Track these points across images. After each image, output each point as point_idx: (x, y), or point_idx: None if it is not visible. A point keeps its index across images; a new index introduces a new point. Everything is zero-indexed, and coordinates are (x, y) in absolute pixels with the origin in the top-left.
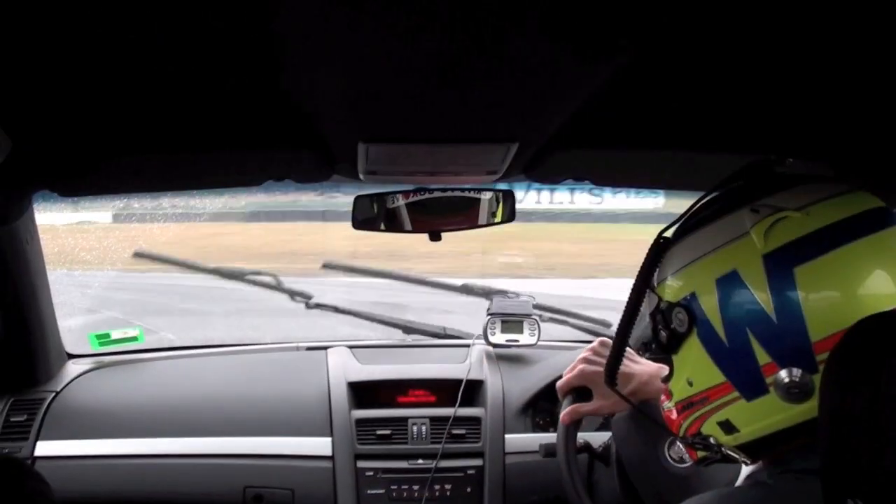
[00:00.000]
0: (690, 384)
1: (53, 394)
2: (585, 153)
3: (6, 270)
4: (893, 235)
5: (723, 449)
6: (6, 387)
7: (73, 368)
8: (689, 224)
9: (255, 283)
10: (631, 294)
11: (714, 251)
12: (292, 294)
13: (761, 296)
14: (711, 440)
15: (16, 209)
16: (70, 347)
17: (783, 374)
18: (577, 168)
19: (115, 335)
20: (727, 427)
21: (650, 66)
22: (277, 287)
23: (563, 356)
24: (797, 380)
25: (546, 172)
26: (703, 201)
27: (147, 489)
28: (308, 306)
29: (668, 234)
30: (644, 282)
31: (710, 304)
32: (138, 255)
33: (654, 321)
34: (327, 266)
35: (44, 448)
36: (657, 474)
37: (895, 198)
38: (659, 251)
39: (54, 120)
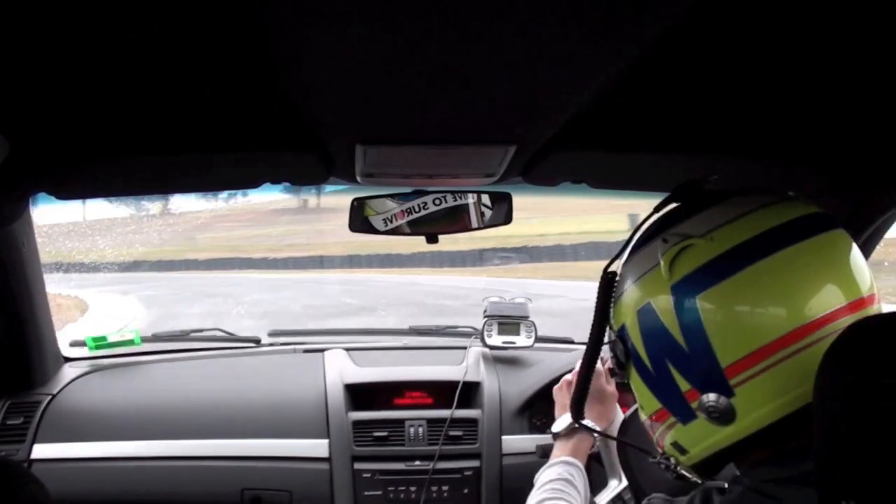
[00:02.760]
0: (642, 408)
1: (50, 396)
2: (583, 156)
3: (2, 273)
4: (800, 250)
5: (678, 469)
6: (2, 390)
7: (69, 371)
8: (627, 254)
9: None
10: (591, 329)
11: (635, 282)
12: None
13: (672, 325)
14: (672, 459)
15: (13, 211)
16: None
17: (704, 399)
18: (574, 171)
19: (111, 338)
20: (678, 448)
21: (648, 69)
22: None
23: (560, 358)
24: (715, 405)
25: (543, 175)
26: (638, 230)
27: (144, 492)
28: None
29: (614, 267)
30: (600, 316)
31: (634, 335)
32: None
33: (611, 349)
34: None
35: (40, 451)
36: (658, 473)
37: (895, 198)
38: (607, 285)
39: (52, 122)
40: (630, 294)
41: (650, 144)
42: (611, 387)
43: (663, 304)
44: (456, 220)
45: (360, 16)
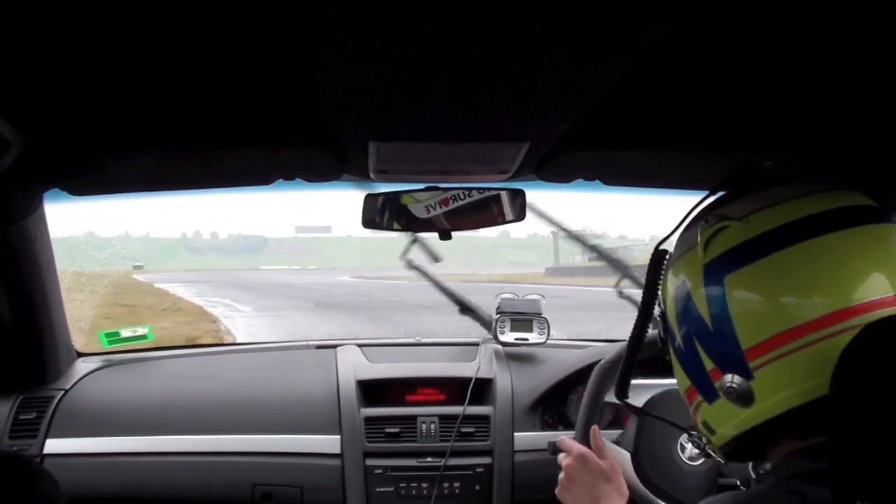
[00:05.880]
0: (679, 385)
1: (62, 392)
2: (596, 153)
3: (17, 269)
4: (834, 239)
5: (706, 448)
6: (16, 385)
7: (82, 366)
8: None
9: None
10: (640, 306)
11: (676, 261)
12: None
13: (700, 304)
14: (703, 438)
15: (27, 207)
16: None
17: (725, 379)
18: (587, 168)
19: (124, 333)
20: (707, 427)
21: (661, 66)
22: None
23: (572, 355)
24: (736, 386)
25: (557, 172)
26: (692, 211)
27: (156, 486)
28: None
29: (666, 245)
30: (649, 292)
31: (671, 313)
32: None
33: (659, 325)
34: None
35: (53, 446)
36: (672, 471)
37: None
38: (657, 263)
39: (65, 118)
40: (671, 272)
41: (663, 142)
42: (607, 460)
43: (695, 283)
44: (486, 213)
45: (374, 14)
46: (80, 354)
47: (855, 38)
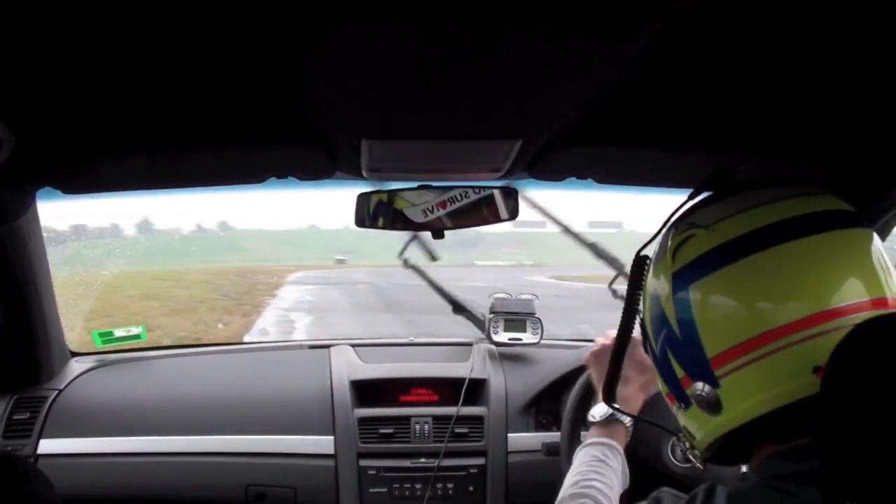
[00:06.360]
0: (661, 390)
1: (56, 392)
2: (589, 151)
3: (9, 268)
4: (801, 245)
5: (688, 452)
6: (9, 385)
7: (75, 366)
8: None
9: None
10: (623, 311)
11: (652, 268)
12: None
13: (669, 313)
14: (687, 442)
15: (19, 206)
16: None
17: (695, 387)
18: (580, 166)
19: (118, 333)
20: (688, 432)
21: (654, 64)
22: None
23: (566, 355)
24: (704, 394)
25: (549, 170)
26: (672, 216)
27: (149, 487)
28: None
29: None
30: (630, 298)
31: (647, 319)
32: None
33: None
34: None
35: (47, 446)
36: (662, 472)
37: (894, 199)
38: (638, 269)
39: (57, 116)
40: (648, 279)
41: (657, 140)
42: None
43: (665, 290)
44: (481, 212)
45: (366, 12)
46: (74, 354)
47: (851, 37)
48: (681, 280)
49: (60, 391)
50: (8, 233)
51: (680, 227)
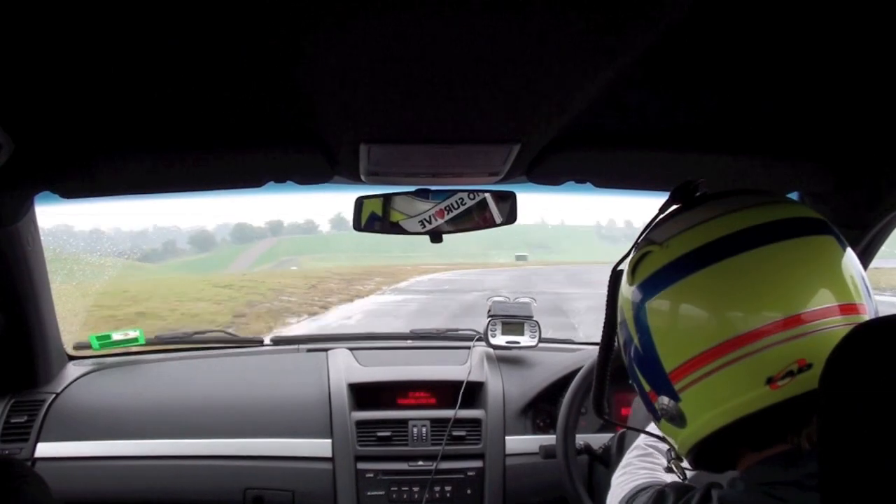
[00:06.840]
0: None
1: (54, 395)
2: (587, 155)
3: (7, 272)
4: (753, 256)
5: (671, 462)
6: (6, 388)
7: (73, 370)
8: None
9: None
10: (603, 327)
11: (622, 284)
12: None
13: (632, 329)
14: (672, 452)
15: (17, 210)
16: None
17: (661, 401)
18: (578, 170)
19: (115, 336)
20: (668, 442)
21: (652, 67)
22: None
23: (563, 358)
24: (667, 407)
25: (547, 174)
26: (645, 231)
27: (147, 490)
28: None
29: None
30: (609, 312)
31: (619, 334)
32: None
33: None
34: None
35: (44, 449)
36: None
37: (894, 199)
38: (613, 284)
39: (55, 120)
40: (619, 295)
41: (655, 143)
42: None
43: (627, 307)
44: (478, 216)
45: (364, 15)
46: (72, 357)
47: (851, 38)
48: (639, 296)
49: (58, 394)
50: (6, 237)
51: (641, 243)
